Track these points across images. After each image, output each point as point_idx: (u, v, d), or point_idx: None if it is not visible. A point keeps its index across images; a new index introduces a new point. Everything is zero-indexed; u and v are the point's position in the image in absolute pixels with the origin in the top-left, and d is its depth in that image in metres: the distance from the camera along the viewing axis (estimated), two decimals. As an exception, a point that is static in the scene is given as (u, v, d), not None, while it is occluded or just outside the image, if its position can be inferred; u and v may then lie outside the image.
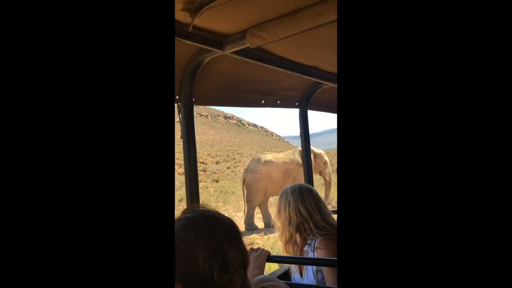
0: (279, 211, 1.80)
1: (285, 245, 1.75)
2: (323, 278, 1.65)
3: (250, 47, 1.52)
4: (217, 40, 1.55)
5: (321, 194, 11.25)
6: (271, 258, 1.52)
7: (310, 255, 1.69)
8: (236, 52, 1.62)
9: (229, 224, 0.84)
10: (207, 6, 1.24)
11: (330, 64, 2.12)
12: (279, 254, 1.71)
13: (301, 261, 1.66)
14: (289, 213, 1.75)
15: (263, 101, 2.25)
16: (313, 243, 1.67)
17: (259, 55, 1.76)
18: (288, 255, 1.71)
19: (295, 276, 1.78)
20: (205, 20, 1.37)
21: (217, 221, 0.83)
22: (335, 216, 1.82)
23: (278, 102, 2.37)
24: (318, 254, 1.65)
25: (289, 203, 1.77)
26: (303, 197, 1.75)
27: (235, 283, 0.77)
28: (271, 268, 2.75)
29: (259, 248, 1.53)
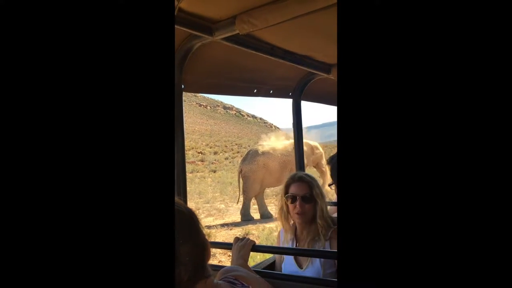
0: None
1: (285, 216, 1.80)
2: (331, 272, 1.63)
3: (240, 33, 1.49)
4: (206, 25, 1.52)
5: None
6: (256, 248, 1.51)
7: (319, 244, 1.69)
8: (226, 39, 1.59)
9: (186, 217, 0.83)
10: None
11: (323, 54, 2.09)
12: (264, 244, 1.70)
13: (286, 251, 1.65)
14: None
15: (255, 90, 2.22)
16: (329, 232, 1.69)
17: (251, 42, 1.73)
18: (274, 245, 1.70)
19: (287, 267, 1.76)
20: (193, 4, 1.34)
21: None
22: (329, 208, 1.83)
23: (271, 91, 2.34)
24: (333, 244, 1.66)
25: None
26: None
27: (181, 276, 0.76)
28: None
29: (244, 238, 1.52)
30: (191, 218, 0.84)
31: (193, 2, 1.30)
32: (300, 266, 1.71)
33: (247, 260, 1.44)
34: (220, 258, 5.39)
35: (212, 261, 5.44)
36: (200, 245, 0.82)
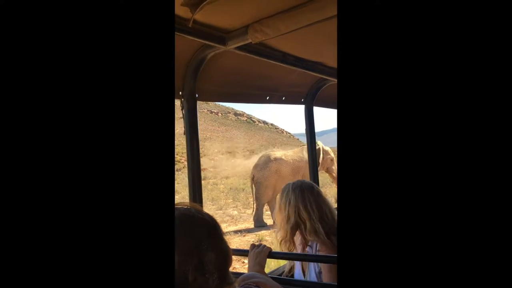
0: (279, 208, 1.76)
1: (280, 243, 1.71)
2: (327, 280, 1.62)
3: (253, 42, 1.51)
4: (219, 35, 1.54)
5: (330, 191, 11.13)
6: (272, 255, 1.52)
7: (302, 265, 1.66)
8: (239, 48, 1.62)
9: (209, 224, 0.84)
10: (208, 1, 1.24)
11: (335, 60, 2.09)
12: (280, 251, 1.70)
13: (302, 258, 1.65)
14: (288, 211, 1.69)
15: (267, 97, 2.24)
16: (314, 245, 1.63)
17: (263, 50, 1.75)
18: (290, 252, 1.70)
19: (296, 275, 1.75)
20: (206, 15, 1.37)
21: (197, 221, 0.83)
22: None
23: (283, 98, 2.36)
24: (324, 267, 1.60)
25: (290, 201, 1.71)
26: (303, 195, 1.69)
27: (209, 284, 0.76)
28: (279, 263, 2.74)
29: (260, 244, 1.53)
30: (215, 226, 0.85)
31: (207, 13, 1.33)
32: (304, 275, 1.70)
33: (264, 266, 1.44)
34: (234, 265, 5.39)
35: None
36: (224, 252, 0.83)
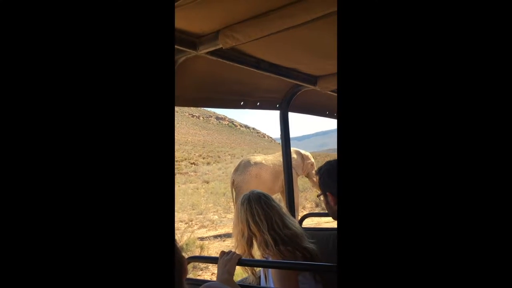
0: (234, 223, 1.72)
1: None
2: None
3: (223, 48, 1.50)
4: (190, 40, 1.53)
5: (311, 196, 11.11)
6: (242, 262, 1.50)
7: (265, 271, 1.63)
8: (211, 53, 1.60)
9: None
10: (176, 4, 1.22)
11: (309, 66, 2.11)
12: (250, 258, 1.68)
13: (272, 265, 1.63)
14: (241, 226, 1.67)
15: (242, 103, 2.23)
16: (269, 258, 1.61)
17: (236, 56, 1.74)
18: (260, 259, 1.68)
19: (262, 283, 1.74)
20: (177, 20, 1.35)
21: None
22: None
23: (258, 104, 2.35)
24: (272, 272, 1.59)
25: (240, 215, 1.68)
26: (251, 207, 1.66)
27: None
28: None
29: (230, 251, 1.51)
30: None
31: (178, 17, 1.31)
32: (266, 280, 1.69)
33: (233, 274, 1.43)
34: (214, 270, 5.34)
35: (205, 274, 5.38)
36: (177, 261, 0.81)
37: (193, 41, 1.53)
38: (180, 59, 1.64)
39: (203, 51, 1.56)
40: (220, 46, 1.49)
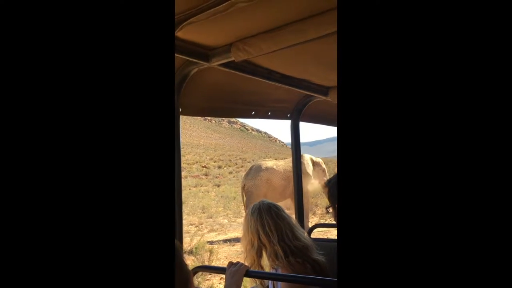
0: (243, 234, 1.71)
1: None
2: None
3: (236, 60, 1.52)
4: (203, 52, 1.55)
5: (322, 202, 11.00)
6: (250, 273, 1.51)
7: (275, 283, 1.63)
8: (223, 65, 1.63)
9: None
10: (189, 21, 1.25)
11: (320, 77, 2.12)
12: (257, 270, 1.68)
13: (278, 277, 1.64)
14: (251, 236, 1.66)
15: (253, 112, 2.24)
16: (278, 270, 1.61)
17: (248, 67, 1.76)
18: (267, 271, 1.69)
19: None
20: (190, 33, 1.38)
21: None
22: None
23: (269, 113, 2.37)
24: (281, 283, 1.58)
25: (250, 225, 1.67)
26: (261, 218, 1.65)
27: None
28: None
29: (238, 263, 1.52)
30: (176, 250, 0.85)
31: (189, 31, 1.34)
32: None
33: (240, 286, 1.44)
34: (222, 274, 5.34)
35: (214, 278, 5.38)
36: (185, 274, 0.83)
37: (206, 53, 1.56)
38: (192, 70, 1.67)
39: (215, 63, 1.58)
40: (232, 59, 1.51)
